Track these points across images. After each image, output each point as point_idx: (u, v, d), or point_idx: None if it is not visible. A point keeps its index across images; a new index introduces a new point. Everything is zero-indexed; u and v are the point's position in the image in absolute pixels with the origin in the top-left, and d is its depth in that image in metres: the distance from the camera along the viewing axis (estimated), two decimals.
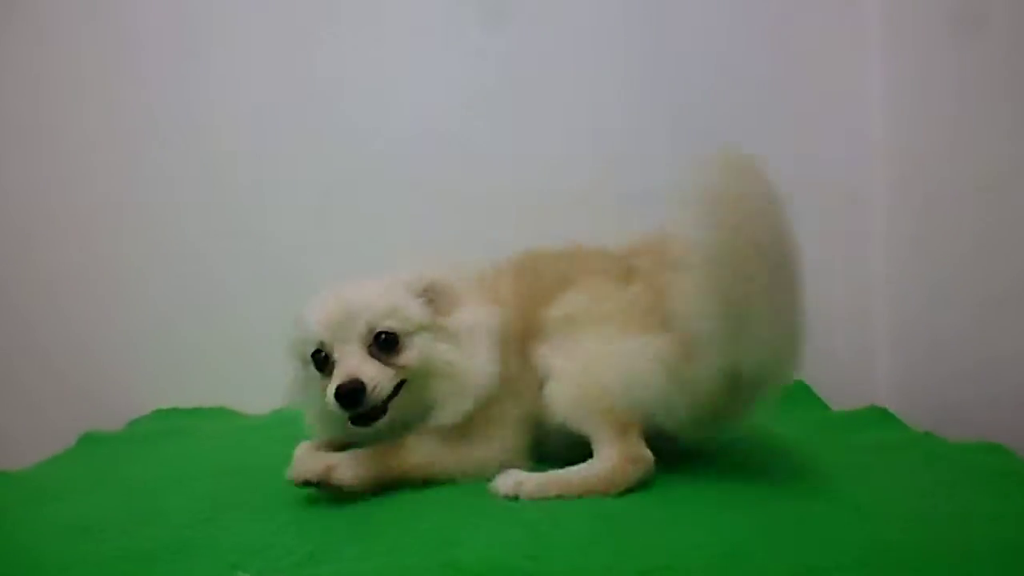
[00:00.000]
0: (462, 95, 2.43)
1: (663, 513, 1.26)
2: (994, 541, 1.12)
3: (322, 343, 1.41)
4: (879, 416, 1.96)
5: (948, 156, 2.05)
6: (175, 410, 2.29)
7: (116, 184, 2.39)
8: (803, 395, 2.19)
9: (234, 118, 2.41)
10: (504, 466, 1.42)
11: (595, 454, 1.40)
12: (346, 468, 1.36)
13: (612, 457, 1.37)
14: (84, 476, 1.63)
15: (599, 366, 1.42)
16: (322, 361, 1.42)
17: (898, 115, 2.29)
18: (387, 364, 1.40)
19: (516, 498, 1.33)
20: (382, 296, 1.43)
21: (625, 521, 1.23)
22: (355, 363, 1.37)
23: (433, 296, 1.49)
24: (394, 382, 1.39)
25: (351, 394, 1.33)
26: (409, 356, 1.42)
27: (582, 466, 1.39)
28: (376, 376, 1.36)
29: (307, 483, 1.35)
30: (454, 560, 1.04)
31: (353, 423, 1.38)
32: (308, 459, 1.42)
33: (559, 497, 1.33)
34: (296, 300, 2.28)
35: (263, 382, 2.28)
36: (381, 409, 1.38)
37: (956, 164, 2.01)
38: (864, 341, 2.37)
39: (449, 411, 1.45)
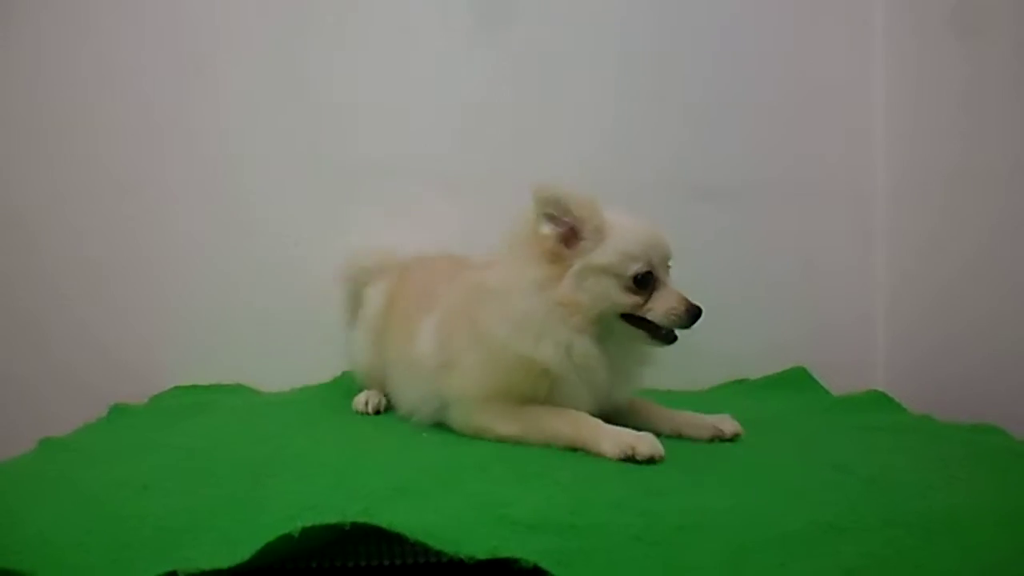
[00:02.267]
0: (466, 95, 2.48)
1: (688, 481, 1.35)
2: (999, 508, 1.21)
3: (653, 266, 1.59)
4: (879, 400, 2.05)
5: (950, 156, 2.12)
6: (195, 387, 2.34)
7: (138, 169, 2.42)
8: (805, 381, 2.28)
9: (251, 113, 2.45)
10: None
11: None
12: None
13: None
14: (126, 442, 1.68)
15: None
16: (642, 281, 1.58)
17: (901, 116, 2.36)
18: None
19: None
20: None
21: (653, 486, 1.31)
22: (670, 293, 1.60)
23: None
24: None
25: (698, 313, 1.58)
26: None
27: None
28: None
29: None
30: (507, 515, 1.11)
31: (665, 340, 1.61)
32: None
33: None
34: (309, 284, 2.39)
35: (278, 361, 2.39)
36: None
37: (958, 164, 2.08)
38: (864, 333, 2.47)
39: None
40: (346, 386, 2.18)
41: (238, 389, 2.35)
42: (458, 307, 1.70)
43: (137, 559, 1.05)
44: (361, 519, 1.06)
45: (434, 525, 1.06)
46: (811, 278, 2.47)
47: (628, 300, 1.58)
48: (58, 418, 1.91)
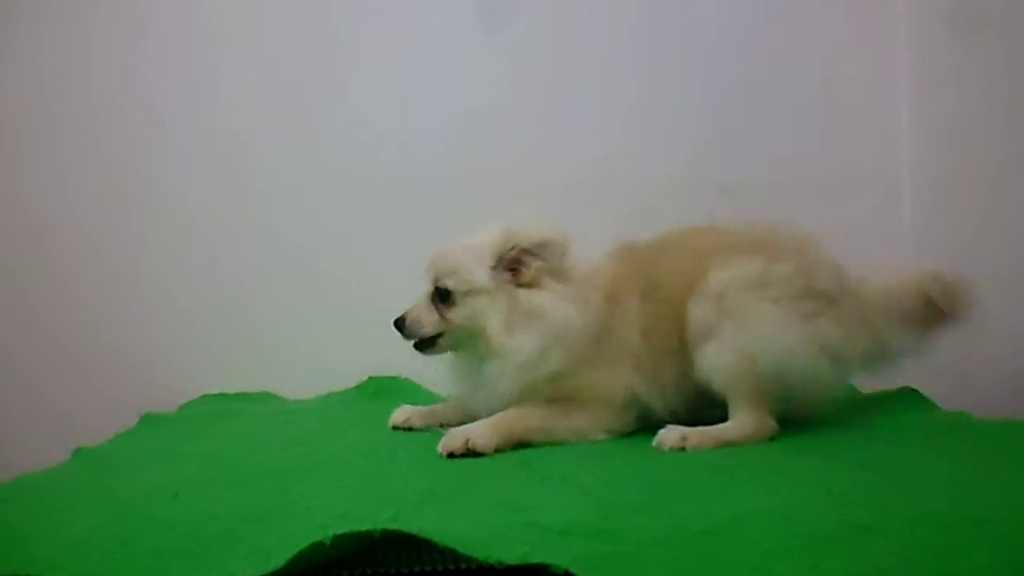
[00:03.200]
0: (475, 94, 2.49)
1: (714, 482, 1.34)
2: None
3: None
4: (911, 397, 2.02)
5: (978, 152, 2.10)
6: (222, 395, 2.37)
7: (161, 183, 2.46)
8: None
9: (265, 120, 2.48)
10: (608, 433, 1.64)
11: (733, 414, 1.62)
12: (479, 436, 1.55)
13: (750, 421, 1.61)
14: (156, 450, 1.71)
15: (764, 342, 1.60)
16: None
17: (926, 112, 2.34)
18: (440, 313, 1.69)
19: (682, 449, 1.53)
20: (457, 254, 1.70)
21: (681, 488, 1.31)
22: (417, 305, 1.71)
23: (514, 265, 1.66)
24: (437, 328, 1.70)
25: (397, 321, 1.70)
26: (455, 312, 1.68)
27: (726, 425, 1.61)
28: (420, 318, 1.69)
29: (452, 455, 1.53)
30: (535, 520, 1.11)
31: (415, 347, 1.72)
32: (450, 436, 1.58)
33: (715, 446, 1.56)
34: (334, 291, 2.40)
35: (304, 369, 2.41)
36: (429, 343, 1.71)
37: (987, 159, 2.05)
38: None
39: (496, 387, 1.65)
40: (370, 392, 2.20)
41: (264, 396, 2.38)
42: None
43: (169, 568, 1.05)
44: (391, 526, 1.06)
45: (463, 531, 1.06)
46: None
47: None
48: (92, 429, 1.94)
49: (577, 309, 1.64)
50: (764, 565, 0.99)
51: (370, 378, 2.32)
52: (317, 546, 1.00)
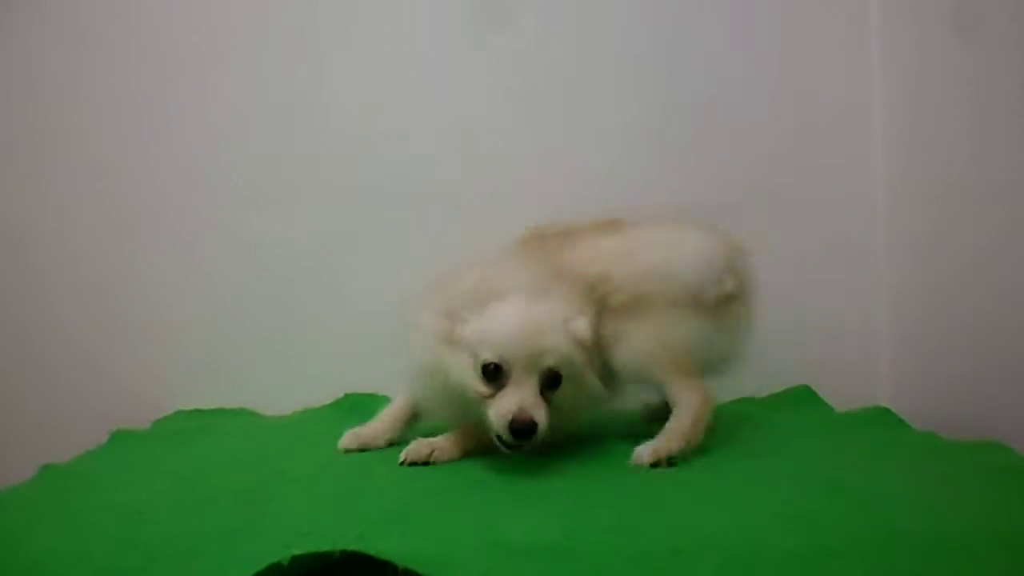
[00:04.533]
0: (463, 106, 2.47)
1: (686, 502, 1.34)
2: (1000, 530, 1.19)
3: (504, 361, 1.49)
4: (883, 416, 2.03)
5: (951, 162, 2.10)
6: (197, 411, 2.34)
7: (138, 192, 2.43)
8: (808, 399, 2.26)
9: (247, 123, 2.45)
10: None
11: (675, 398, 1.63)
12: (444, 451, 1.59)
13: (694, 396, 1.62)
14: (125, 468, 1.68)
15: (669, 329, 1.64)
16: (493, 373, 1.50)
17: (899, 124, 2.35)
18: (546, 398, 1.51)
19: (668, 464, 1.54)
20: (560, 334, 1.53)
21: (651, 508, 1.31)
22: (531, 400, 1.47)
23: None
24: (548, 419, 1.48)
25: (523, 430, 1.44)
26: (565, 393, 1.54)
27: (677, 414, 1.62)
28: (544, 418, 1.47)
29: (414, 463, 1.55)
30: (501, 540, 1.11)
31: (506, 446, 1.48)
32: (415, 444, 1.60)
33: (686, 445, 1.57)
34: (311, 306, 2.40)
35: (281, 384, 2.39)
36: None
37: (958, 172, 2.06)
38: (867, 347, 2.45)
39: (567, 423, 1.60)
40: (346, 408, 2.19)
41: (240, 413, 2.35)
42: None
43: None
44: (353, 546, 1.05)
45: (426, 550, 1.05)
46: (813, 292, 2.45)
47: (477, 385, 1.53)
48: (63, 445, 1.90)
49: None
50: None
51: (346, 395, 2.31)
52: (275, 567, 0.99)
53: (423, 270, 2.08)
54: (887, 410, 2.06)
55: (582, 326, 1.56)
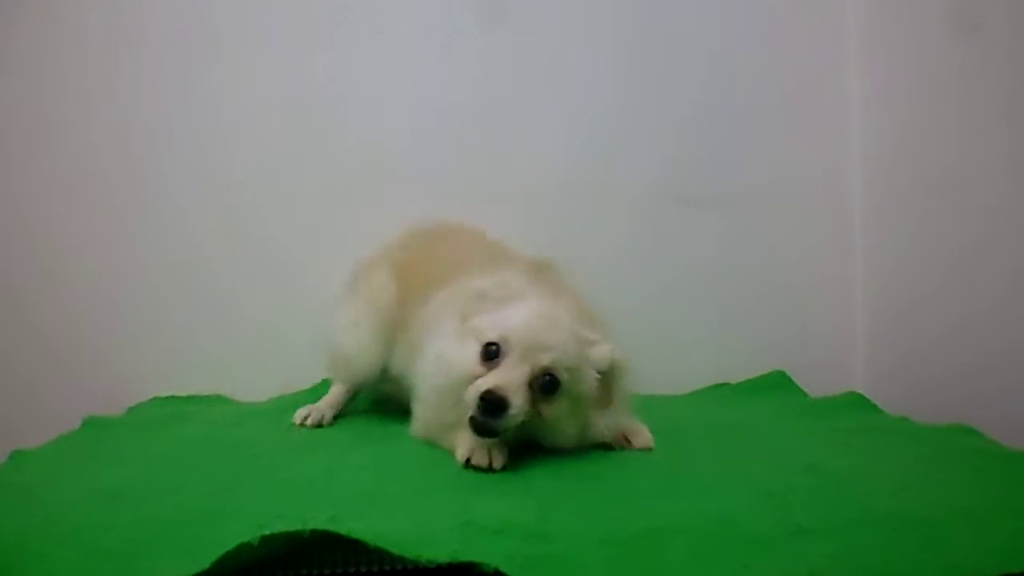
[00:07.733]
0: (462, 96, 2.47)
1: (659, 485, 1.35)
2: (969, 508, 1.21)
3: (505, 342, 1.45)
4: (856, 401, 2.05)
5: (928, 161, 2.13)
6: (173, 397, 2.33)
7: (115, 181, 2.40)
8: (784, 384, 2.28)
9: (235, 117, 2.44)
10: None
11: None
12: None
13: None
14: (99, 453, 1.67)
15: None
16: (492, 353, 1.46)
17: (878, 119, 2.37)
18: (538, 403, 1.44)
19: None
20: (571, 342, 1.48)
21: (623, 491, 1.32)
22: (514, 383, 1.40)
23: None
24: (521, 419, 1.41)
25: (493, 404, 1.37)
26: (560, 407, 1.47)
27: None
28: (520, 404, 1.39)
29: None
30: (472, 520, 1.11)
31: (476, 428, 1.41)
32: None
33: None
34: (288, 292, 2.39)
35: (257, 371, 2.38)
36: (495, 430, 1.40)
37: (936, 167, 2.09)
38: (843, 344, 2.48)
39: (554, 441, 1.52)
40: (322, 394, 2.18)
41: (216, 400, 2.34)
42: None
43: (100, 570, 1.04)
44: (326, 527, 1.05)
45: (398, 531, 1.05)
46: (791, 283, 2.48)
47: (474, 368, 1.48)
48: (36, 432, 1.89)
49: None
50: (695, 565, 1.00)
51: (323, 380, 2.30)
52: (245, 547, 0.99)
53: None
54: (860, 395, 2.09)
55: (604, 352, 1.51)
